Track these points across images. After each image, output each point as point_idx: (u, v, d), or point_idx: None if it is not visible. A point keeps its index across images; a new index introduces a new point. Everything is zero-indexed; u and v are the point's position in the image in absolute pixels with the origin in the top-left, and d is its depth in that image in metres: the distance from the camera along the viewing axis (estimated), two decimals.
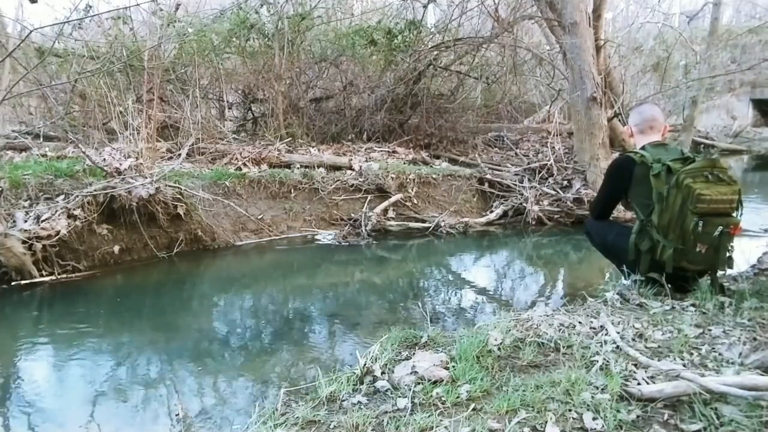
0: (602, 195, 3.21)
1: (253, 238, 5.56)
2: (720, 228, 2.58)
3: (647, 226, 2.79)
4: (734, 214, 2.67)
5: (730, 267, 2.76)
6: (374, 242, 5.54)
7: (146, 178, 4.79)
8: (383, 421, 1.73)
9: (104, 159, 5.10)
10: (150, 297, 4.13)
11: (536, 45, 9.63)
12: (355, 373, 2.07)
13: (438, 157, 7.99)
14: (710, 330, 2.33)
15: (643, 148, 2.92)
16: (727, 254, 2.68)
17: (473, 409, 1.76)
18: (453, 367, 2.03)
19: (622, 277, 3.08)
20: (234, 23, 7.76)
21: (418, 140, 8.42)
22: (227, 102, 8.69)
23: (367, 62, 8.76)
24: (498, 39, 8.31)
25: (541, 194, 6.54)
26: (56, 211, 4.36)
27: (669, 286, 2.78)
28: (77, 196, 4.49)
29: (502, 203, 6.56)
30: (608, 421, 1.62)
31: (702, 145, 12.31)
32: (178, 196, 4.96)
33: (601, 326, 2.40)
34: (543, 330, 2.35)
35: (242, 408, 2.48)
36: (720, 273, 2.83)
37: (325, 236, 5.71)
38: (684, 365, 1.99)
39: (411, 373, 2.00)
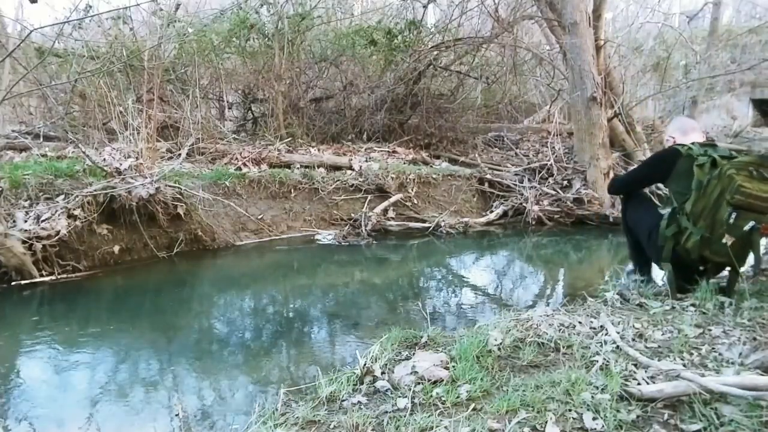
0: (635, 174, 3.27)
1: (253, 238, 5.56)
2: (752, 223, 2.56)
3: (678, 213, 2.79)
4: None
5: (759, 265, 2.76)
6: (374, 242, 5.54)
7: (146, 178, 4.78)
8: (383, 421, 1.73)
9: (104, 159, 5.10)
10: (150, 297, 4.12)
11: (536, 45, 9.61)
12: (355, 373, 2.07)
13: (438, 157, 7.99)
14: (710, 330, 2.33)
15: (692, 143, 2.90)
16: (761, 253, 2.70)
17: (473, 409, 1.76)
18: (453, 367, 2.03)
19: (622, 277, 3.09)
20: (234, 23, 7.75)
21: (418, 140, 8.41)
22: (227, 102, 8.68)
23: (367, 62, 8.75)
24: (498, 39, 8.31)
25: (541, 194, 6.54)
26: (56, 211, 4.35)
27: (676, 277, 2.79)
28: (77, 196, 4.48)
29: (502, 203, 6.56)
30: (608, 421, 1.62)
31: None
32: (178, 196, 4.96)
33: (601, 326, 2.40)
34: (543, 330, 2.35)
35: (242, 408, 2.48)
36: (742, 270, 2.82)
37: (325, 236, 5.71)
38: (684, 365, 1.99)
39: (411, 373, 2.00)
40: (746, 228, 2.56)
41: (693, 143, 2.87)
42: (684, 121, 3.17)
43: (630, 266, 3.35)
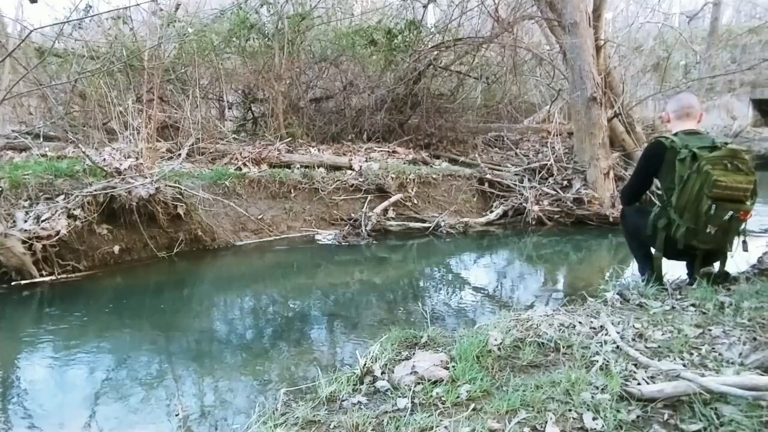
0: (635, 178, 3.39)
1: (253, 238, 5.56)
2: (731, 213, 2.75)
3: (667, 206, 2.96)
4: (747, 203, 2.82)
5: (745, 250, 2.94)
6: (374, 242, 5.54)
7: (146, 178, 4.78)
8: (383, 421, 1.73)
9: (104, 159, 5.10)
10: (150, 297, 4.13)
11: (536, 45, 9.61)
12: (355, 373, 2.07)
13: (438, 157, 7.99)
14: (710, 330, 2.33)
15: (675, 134, 3.04)
16: (741, 238, 2.88)
17: (473, 409, 1.76)
18: (453, 367, 2.03)
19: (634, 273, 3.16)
20: (234, 23, 7.76)
21: (418, 140, 8.41)
22: (227, 102, 8.68)
23: (367, 62, 8.75)
24: (498, 39, 8.30)
25: (541, 194, 6.54)
26: (56, 211, 4.35)
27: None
28: (77, 196, 4.49)
29: (502, 203, 6.56)
30: (608, 421, 1.62)
31: None
32: (178, 196, 4.96)
33: (601, 326, 2.40)
34: (543, 330, 2.35)
35: (242, 408, 2.48)
36: (729, 258, 3.00)
37: (325, 236, 5.71)
38: (684, 365, 1.99)
39: (411, 373, 2.00)
40: (726, 218, 2.75)
41: (677, 134, 3.02)
42: (684, 103, 3.16)
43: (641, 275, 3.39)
